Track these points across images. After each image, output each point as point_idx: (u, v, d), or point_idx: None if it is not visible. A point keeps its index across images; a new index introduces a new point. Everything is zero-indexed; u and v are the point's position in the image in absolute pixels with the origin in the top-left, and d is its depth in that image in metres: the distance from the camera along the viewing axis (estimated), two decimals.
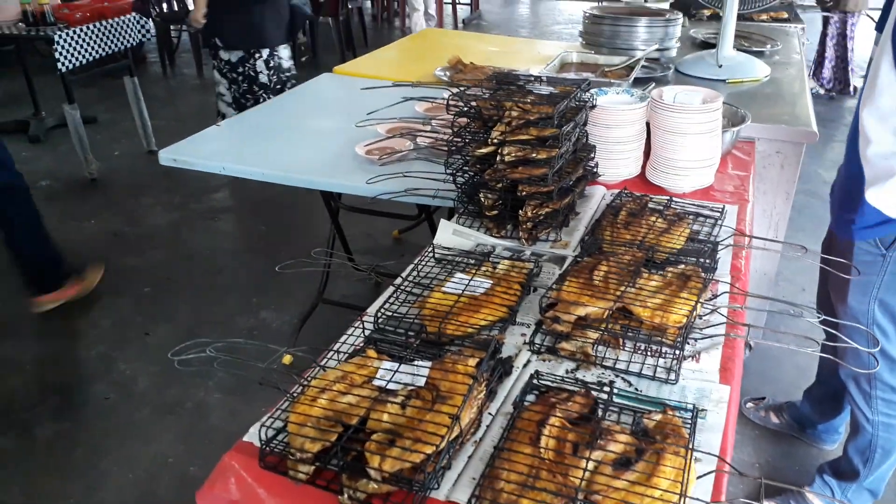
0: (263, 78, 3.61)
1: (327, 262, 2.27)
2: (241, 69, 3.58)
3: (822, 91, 5.40)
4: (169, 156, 1.85)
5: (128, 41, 4.10)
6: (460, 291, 1.14)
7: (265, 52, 3.56)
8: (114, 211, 3.83)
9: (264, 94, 3.61)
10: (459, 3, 9.11)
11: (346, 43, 6.79)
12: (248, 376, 0.91)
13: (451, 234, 1.40)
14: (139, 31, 4.19)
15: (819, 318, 1.01)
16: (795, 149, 1.89)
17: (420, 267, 1.27)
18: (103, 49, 3.89)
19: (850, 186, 1.48)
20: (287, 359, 1.74)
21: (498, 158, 1.36)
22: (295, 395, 0.90)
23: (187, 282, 3.13)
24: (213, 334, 2.64)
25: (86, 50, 3.75)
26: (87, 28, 3.74)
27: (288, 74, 3.71)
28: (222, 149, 1.93)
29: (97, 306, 2.94)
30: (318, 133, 2.00)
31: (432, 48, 2.92)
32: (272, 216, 3.76)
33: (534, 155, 1.33)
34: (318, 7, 6.56)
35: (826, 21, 5.19)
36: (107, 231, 3.60)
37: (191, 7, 4.19)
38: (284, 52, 3.68)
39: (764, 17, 3.01)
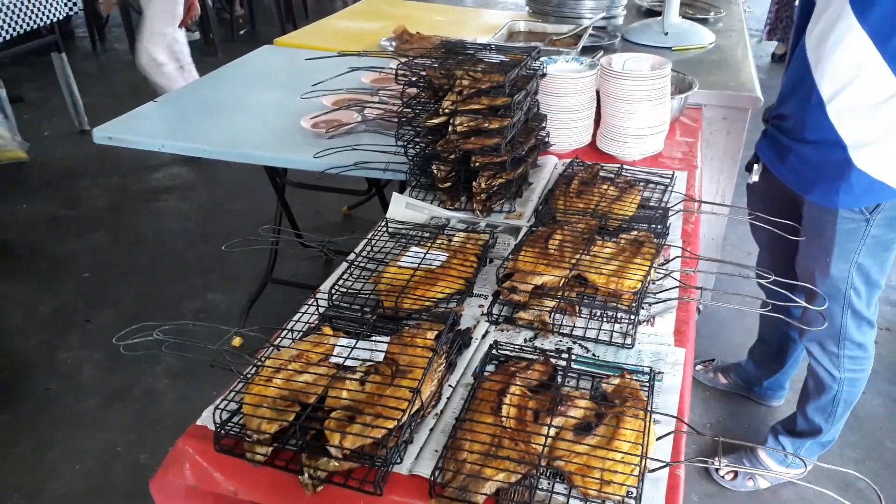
0: None
1: (275, 240, 2.23)
2: None
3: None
4: (104, 134, 1.76)
5: (53, 15, 3.88)
6: (416, 265, 1.12)
7: None
8: (48, 193, 3.65)
9: None
10: None
11: (286, 14, 6.60)
12: (198, 359, 0.87)
13: (404, 208, 1.38)
14: (65, 5, 3.97)
15: (770, 279, 1.03)
16: (741, 115, 1.92)
17: (374, 242, 1.24)
18: (27, 23, 3.67)
19: (822, 154, 1.46)
20: (237, 341, 1.70)
21: (450, 129, 1.34)
22: (248, 376, 0.87)
23: (130, 265, 3.02)
24: (159, 318, 2.56)
25: (8, 24, 3.54)
26: (7, 1, 3.52)
27: None
28: (160, 126, 1.85)
29: (35, 293, 2.82)
30: (261, 107, 1.94)
31: (377, 18, 2.86)
32: (216, 195, 3.65)
33: (486, 125, 1.32)
34: None
35: None
36: (42, 215, 3.44)
37: None
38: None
39: None
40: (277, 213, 2.53)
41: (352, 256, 1.18)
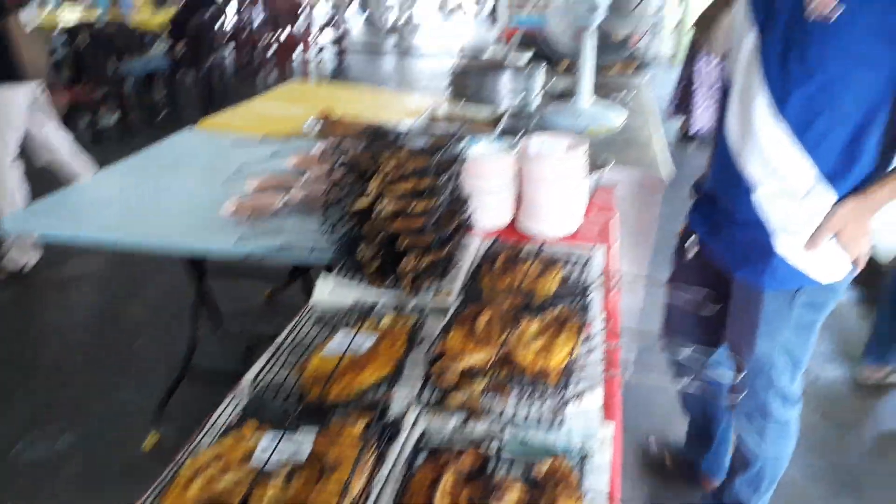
0: None
1: (193, 330, 2.14)
2: None
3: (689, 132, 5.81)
4: (14, 224, 1.68)
5: None
6: (343, 351, 1.10)
7: None
8: None
9: None
10: (323, 57, 9.14)
11: (208, 97, 6.60)
12: (107, 465, 0.81)
13: (330, 291, 1.36)
14: None
15: (691, 352, 1.06)
16: (653, 191, 2.03)
17: (298, 328, 1.21)
18: None
19: (749, 235, 1.50)
20: (151, 441, 1.59)
21: (376, 211, 1.35)
22: (165, 481, 0.82)
23: (31, 362, 2.81)
24: (62, 422, 2.36)
25: None
26: None
27: None
28: (72, 215, 1.78)
29: None
30: (181, 193, 1.90)
31: (301, 101, 2.90)
32: (130, 283, 3.50)
33: (412, 206, 1.34)
34: (177, 61, 6.36)
35: (692, 66, 5.62)
36: None
37: None
38: None
39: (616, 68, 3.25)
40: (196, 302, 2.44)
41: (276, 344, 1.15)
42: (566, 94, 2.72)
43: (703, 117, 5.71)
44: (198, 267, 2.35)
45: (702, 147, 5.77)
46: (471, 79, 2.43)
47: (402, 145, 1.40)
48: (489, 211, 1.62)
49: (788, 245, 1.45)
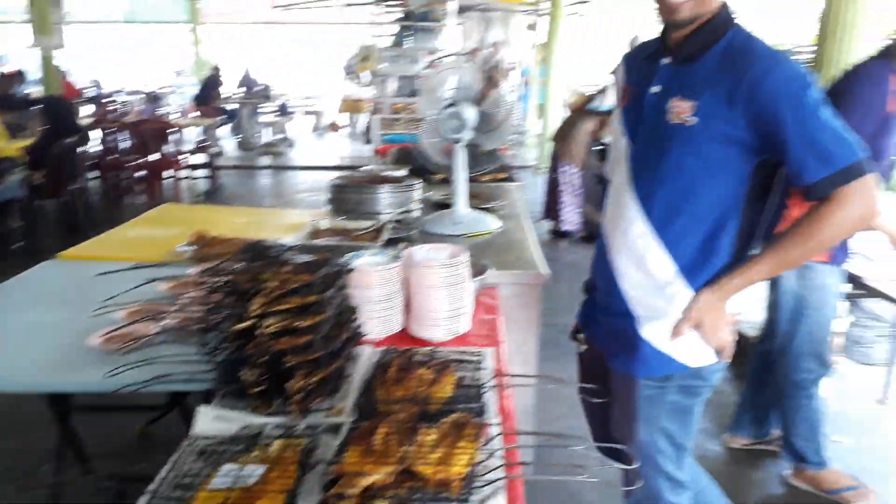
0: None
1: (57, 476, 1.91)
2: None
3: (563, 230, 6.16)
4: None
5: None
6: (230, 485, 1.02)
7: None
8: None
9: None
10: (197, 178, 8.99)
11: (71, 226, 6.25)
12: None
13: (212, 420, 1.28)
14: None
15: (583, 447, 1.07)
16: (532, 289, 2.11)
17: (179, 464, 1.12)
18: None
19: (620, 325, 1.57)
20: None
21: (259, 331, 1.30)
22: None
23: None
24: None
25: None
26: None
27: None
28: None
29: None
30: (42, 329, 1.75)
31: (172, 224, 2.81)
32: None
33: (298, 323, 1.30)
34: (36, 188, 6.03)
35: (559, 172, 6.07)
36: None
37: None
38: None
39: (487, 177, 3.44)
40: (59, 445, 2.19)
41: (153, 486, 1.05)
42: (443, 204, 2.83)
43: (570, 218, 6.14)
44: (60, 404, 2.13)
45: (573, 244, 6.15)
46: (350, 193, 2.47)
47: (284, 262, 1.38)
48: (378, 320, 1.62)
49: (654, 332, 1.53)
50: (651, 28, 1.61)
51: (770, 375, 2.69)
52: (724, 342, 1.53)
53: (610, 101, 6.69)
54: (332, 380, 1.37)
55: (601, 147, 6.04)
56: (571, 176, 6.07)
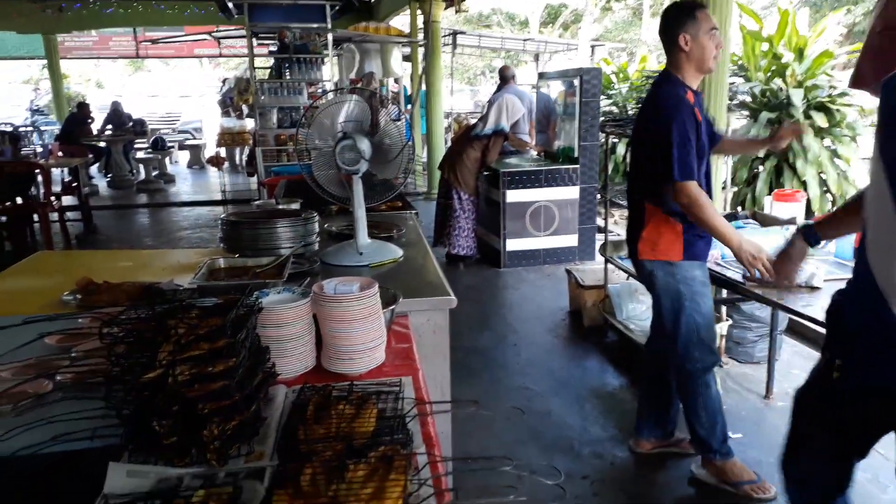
0: None
1: None
2: None
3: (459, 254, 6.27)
4: None
5: None
6: None
7: None
8: None
9: None
10: (69, 221, 8.38)
11: None
12: None
13: (125, 477, 1.20)
14: None
15: (513, 466, 1.11)
16: (440, 314, 2.14)
17: None
18: None
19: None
20: None
21: (170, 380, 1.25)
22: None
23: None
24: None
25: None
26: None
27: None
28: None
29: None
30: None
31: (51, 273, 2.62)
32: None
33: (210, 369, 1.26)
34: None
35: (451, 199, 6.19)
36: None
37: None
38: None
39: (384, 206, 3.45)
40: None
41: None
42: (343, 235, 2.82)
43: (465, 243, 6.27)
44: None
45: (468, 267, 6.27)
46: (245, 229, 2.41)
47: (190, 306, 1.33)
48: (292, 358, 1.59)
49: None
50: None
51: (664, 374, 2.86)
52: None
53: (490, 125, 6.99)
54: (250, 424, 1.33)
55: (487, 172, 6.26)
56: (465, 202, 6.21)
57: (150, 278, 2.42)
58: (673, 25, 2.50)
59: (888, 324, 1.46)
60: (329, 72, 8.58)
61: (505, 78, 7.03)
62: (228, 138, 12.19)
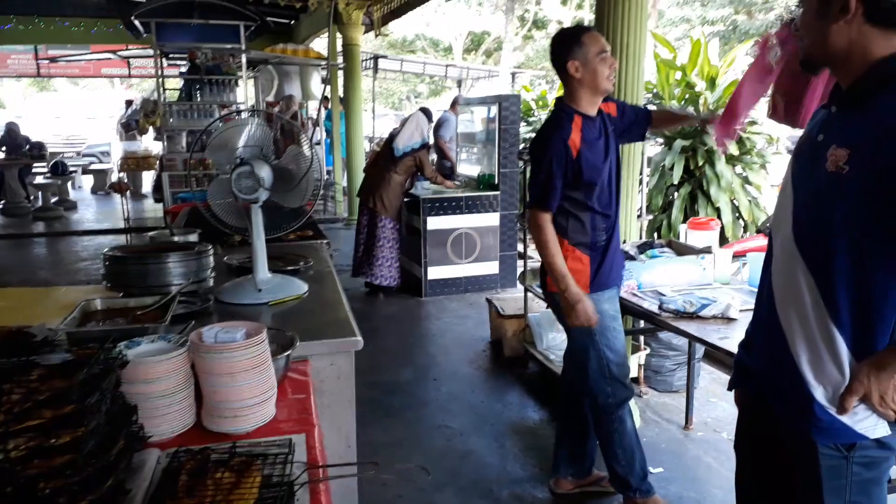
0: None
1: None
2: None
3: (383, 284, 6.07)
4: None
5: None
6: None
7: None
8: None
9: None
10: None
11: None
12: None
13: None
14: None
15: None
16: (347, 356, 1.96)
17: None
18: None
19: (789, 386, 1.45)
20: None
21: (2, 457, 1.03)
22: None
23: None
24: None
25: None
26: None
27: None
28: None
29: None
30: None
31: None
32: None
33: (53, 441, 1.05)
34: None
35: (374, 226, 5.99)
36: None
37: None
38: None
39: (292, 236, 3.22)
40: None
41: None
42: (244, 269, 2.61)
43: (387, 273, 6.03)
44: None
45: (388, 297, 6.07)
46: (131, 265, 2.17)
47: (31, 366, 1.12)
48: (164, 417, 1.38)
49: (831, 398, 1.40)
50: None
51: (579, 407, 2.77)
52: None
53: (407, 141, 6.85)
54: (107, 500, 1.13)
55: (408, 199, 6.12)
56: (389, 230, 6.01)
57: (23, 321, 2.14)
58: (561, 53, 2.44)
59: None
60: (244, 94, 8.26)
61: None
62: (133, 163, 11.61)
